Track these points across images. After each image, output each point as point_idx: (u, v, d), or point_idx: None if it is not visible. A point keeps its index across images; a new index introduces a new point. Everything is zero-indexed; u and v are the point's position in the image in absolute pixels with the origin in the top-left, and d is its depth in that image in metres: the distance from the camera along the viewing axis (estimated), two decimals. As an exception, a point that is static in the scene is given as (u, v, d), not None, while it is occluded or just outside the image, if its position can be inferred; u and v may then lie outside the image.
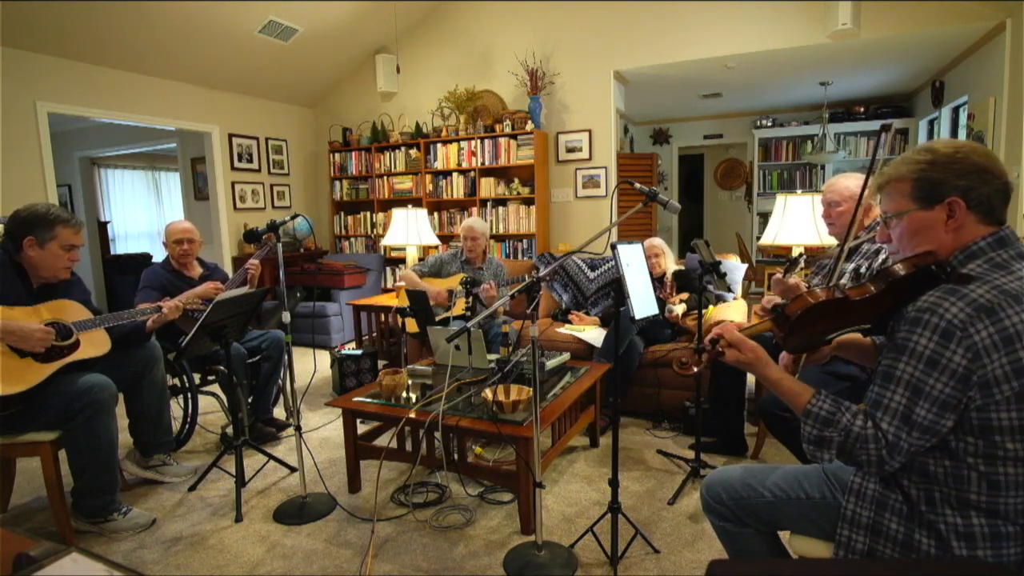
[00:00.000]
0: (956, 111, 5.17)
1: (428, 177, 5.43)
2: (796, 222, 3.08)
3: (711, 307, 3.30)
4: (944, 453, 1.03)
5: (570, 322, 3.71)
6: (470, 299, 3.00)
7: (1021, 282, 0.98)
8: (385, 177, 5.66)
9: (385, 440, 2.62)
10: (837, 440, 1.05)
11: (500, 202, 5.20)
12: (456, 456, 2.55)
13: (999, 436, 0.97)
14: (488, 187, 5.20)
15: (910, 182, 1.08)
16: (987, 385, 0.95)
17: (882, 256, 1.95)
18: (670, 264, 3.47)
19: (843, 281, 2.00)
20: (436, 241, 4.50)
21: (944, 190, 1.04)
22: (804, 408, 1.11)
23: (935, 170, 1.05)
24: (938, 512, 1.04)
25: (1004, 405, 0.95)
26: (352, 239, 6.04)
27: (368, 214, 5.87)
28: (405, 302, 3.33)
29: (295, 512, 2.31)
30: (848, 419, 1.05)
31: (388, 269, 5.74)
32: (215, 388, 3.08)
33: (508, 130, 5.01)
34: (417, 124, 5.51)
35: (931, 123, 5.86)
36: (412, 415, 2.28)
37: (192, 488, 2.56)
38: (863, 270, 2.00)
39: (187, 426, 2.87)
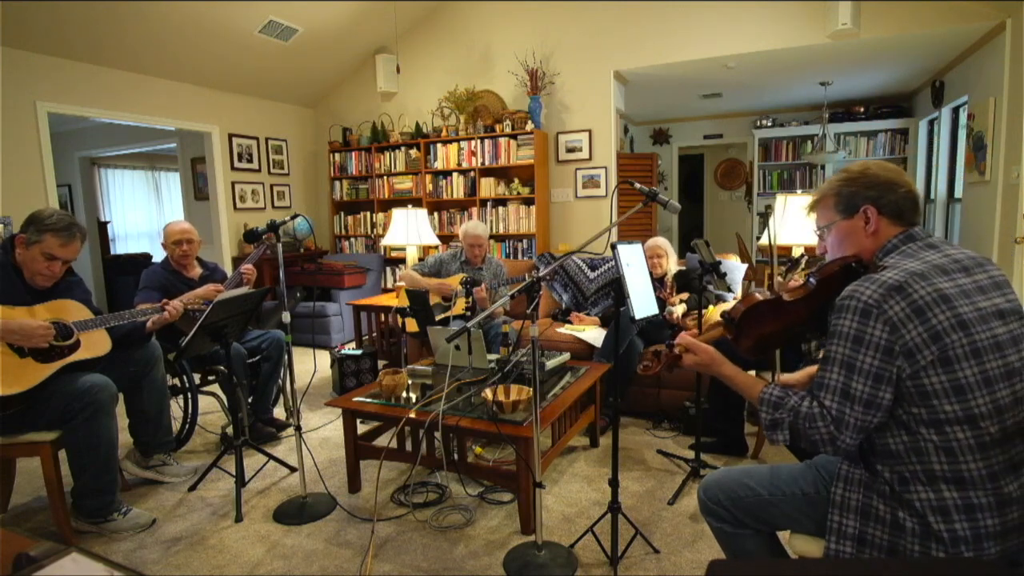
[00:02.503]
0: (956, 111, 5.17)
1: (428, 177, 5.43)
2: (796, 222, 3.08)
3: (711, 307, 3.30)
4: (899, 427, 1.11)
5: (570, 322, 3.71)
6: (470, 299, 3.00)
7: (926, 264, 1.11)
8: (385, 177, 5.66)
9: (385, 440, 2.62)
10: (788, 420, 1.16)
11: (500, 202, 5.20)
12: (456, 456, 2.55)
13: (936, 400, 1.05)
14: (488, 187, 5.20)
15: (832, 197, 1.27)
16: (910, 353, 1.05)
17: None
18: (672, 265, 3.47)
19: None
20: (436, 241, 4.50)
21: (858, 200, 1.23)
22: (758, 397, 1.22)
23: (849, 185, 1.24)
24: (912, 490, 1.10)
25: (932, 370, 1.05)
26: (352, 239, 6.04)
27: (368, 214, 5.87)
28: (405, 302, 3.33)
29: (295, 512, 2.31)
30: (796, 401, 1.17)
31: (388, 269, 5.74)
32: (215, 388, 3.08)
33: (508, 130, 5.01)
34: (417, 124, 5.51)
35: (931, 123, 5.86)
36: (412, 415, 2.28)
37: (192, 488, 2.56)
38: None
39: (187, 426, 2.87)
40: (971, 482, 1.06)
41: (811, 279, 1.26)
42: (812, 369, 1.46)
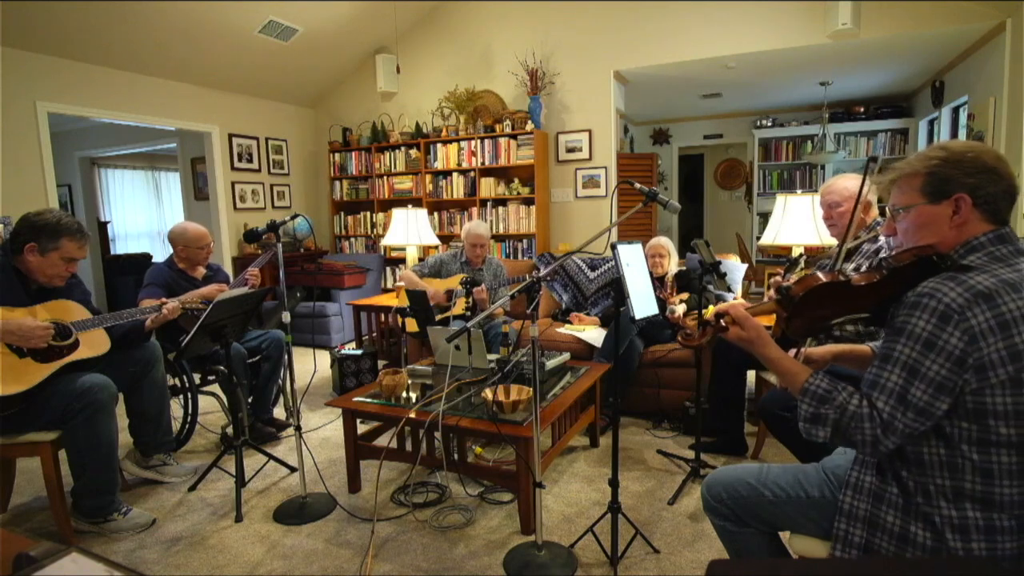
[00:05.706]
0: (956, 111, 5.17)
1: (428, 177, 5.43)
2: (796, 222, 3.08)
3: (711, 307, 3.30)
4: (939, 439, 1.05)
5: (570, 322, 3.71)
6: (470, 299, 3.00)
7: (1020, 274, 1.02)
8: (385, 177, 5.66)
9: (385, 440, 2.62)
10: (832, 418, 1.08)
11: (500, 202, 5.20)
12: (456, 456, 2.55)
13: (993, 420, 0.99)
14: (488, 187, 5.20)
15: (922, 176, 1.11)
16: (983, 368, 0.98)
17: (882, 255, 1.95)
18: (673, 265, 3.47)
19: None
20: (436, 241, 4.50)
21: (952, 186, 1.08)
22: (801, 386, 1.14)
23: (946, 167, 1.09)
24: (933, 504, 1.06)
25: (999, 389, 0.98)
26: (352, 239, 6.04)
27: (368, 214, 5.87)
28: (405, 302, 3.33)
29: (295, 512, 2.31)
30: (844, 397, 1.08)
31: (388, 269, 5.74)
32: (215, 388, 3.08)
33: (508, 130, 5.01)
34: (417, 124, 5.51)
35: (931, 123, 5.86)
36: (412, 415, 2.28)
37: (192, 488, 2.56)
38: (863, 270, 2.00)
39: (187, 426, 2.87)
40: (999, 505, 1.02)
41: (883, 265, 1.16)
42: (835, 348, 1.42)
